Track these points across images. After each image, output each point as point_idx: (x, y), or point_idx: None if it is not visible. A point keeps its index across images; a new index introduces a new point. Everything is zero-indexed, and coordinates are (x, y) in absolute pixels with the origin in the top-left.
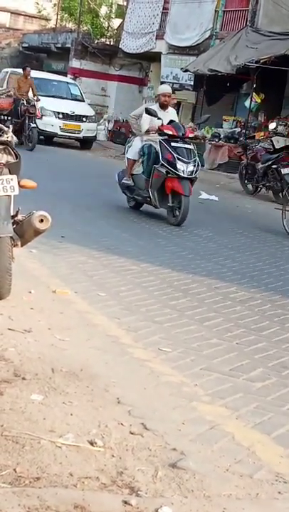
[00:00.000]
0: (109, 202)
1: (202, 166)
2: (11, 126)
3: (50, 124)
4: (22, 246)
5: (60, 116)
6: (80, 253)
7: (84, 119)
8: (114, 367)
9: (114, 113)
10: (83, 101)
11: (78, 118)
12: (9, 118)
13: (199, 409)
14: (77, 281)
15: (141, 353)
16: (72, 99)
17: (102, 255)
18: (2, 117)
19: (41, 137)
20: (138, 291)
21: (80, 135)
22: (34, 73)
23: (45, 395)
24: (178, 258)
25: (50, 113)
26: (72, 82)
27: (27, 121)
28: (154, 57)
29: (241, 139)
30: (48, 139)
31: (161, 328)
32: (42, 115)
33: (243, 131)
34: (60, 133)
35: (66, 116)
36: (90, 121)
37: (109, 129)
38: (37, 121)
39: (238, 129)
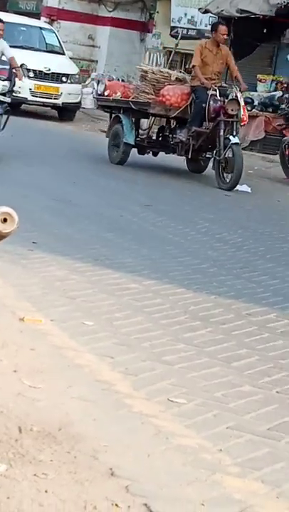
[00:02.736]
0: (100, 194)
1: None
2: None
3: (16, 85)
4: None
5: (31, 74)
6: (58, 266)
7: (64, 79)
8: (106, 425)
9: (106, 70)
10: (63, 53)
11: (56, 77)
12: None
13: (225, 484)
14: (54, 305)
15: (143, 406)
16: (47, 51)
17: (88, 269)
18: (170, 123)
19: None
20: (139, 318)
21: (59, 101)
22: None
23: (10, 463)
24: (195, 273)
25: None
26: (48, 27)
27: (221, 131)
28: None
29: (283, 106)
30: (14, 106)
31: (172, 370)
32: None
33: (286, 95)
34: (30, 98)
35: (39, 75)
36: (72, 82)
37: (99, 92)
38: None
39: (278, 93)
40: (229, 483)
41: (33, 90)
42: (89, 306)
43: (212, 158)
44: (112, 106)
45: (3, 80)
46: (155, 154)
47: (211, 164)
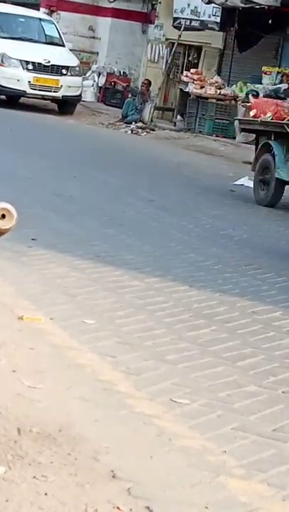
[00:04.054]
0: (100, 190)
1: (233, 137)
2: None
3: (14, 78)
4: None
5: (30, 66)
6: (58, 263)
7: (64, 72)
8: (108, 426)
9: (107, 62)
10: (63, 45)
11: (56, 70)
12: None
13: (229, 486)
14: (53, 304)
15: (146, 406)
16: (46, 43)
17: (89, 266)
18: None
19: (2, 97)
20: (141, 317)
21: (59, 94)
22: None
23: (9, 466)
24: (199, 270)
25: (16, 62)
26: (47, 18)
27: None
28: None
29: None
30: (12, 99)
31: (175, 370)
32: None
33: None
34: (29, 91)
35: (38, 67)
36: (72, 75)
37: (100, 85)
38: None
39: (284, 86)
40: (234, 486)
41: (32, 83)
42: (90, 304)
43: None
44: (260, 130)
45: None
46: None
47: None
